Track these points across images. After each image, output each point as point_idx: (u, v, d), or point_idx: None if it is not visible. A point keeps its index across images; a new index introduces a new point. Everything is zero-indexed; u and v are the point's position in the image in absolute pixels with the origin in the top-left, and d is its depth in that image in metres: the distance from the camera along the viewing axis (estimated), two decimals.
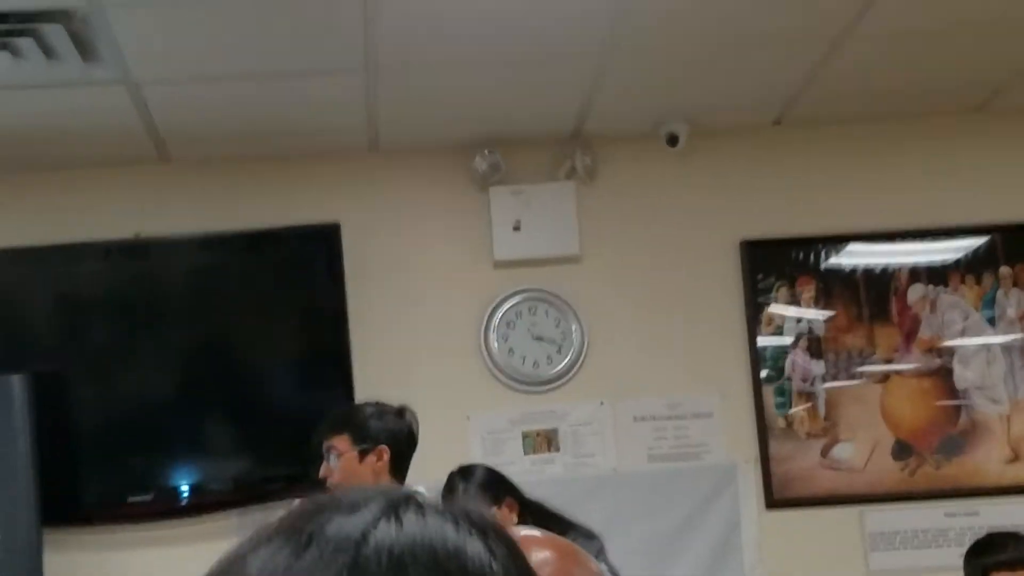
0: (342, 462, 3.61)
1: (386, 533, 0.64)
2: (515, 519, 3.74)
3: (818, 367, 5.01)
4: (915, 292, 5.06)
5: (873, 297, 5.05)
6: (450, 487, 3.84)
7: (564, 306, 4.97)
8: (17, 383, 4.11)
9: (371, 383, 4.67)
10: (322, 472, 3.57)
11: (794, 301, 5.04)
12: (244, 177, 4.91)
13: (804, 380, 5.00)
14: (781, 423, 4.96)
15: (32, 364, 4.37)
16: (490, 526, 0.68)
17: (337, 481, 3.58)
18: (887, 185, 5.06)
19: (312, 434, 3.67)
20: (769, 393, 4.98)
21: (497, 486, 3.83)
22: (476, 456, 4.87)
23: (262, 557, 0.65)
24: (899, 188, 5.06)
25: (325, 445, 3.61)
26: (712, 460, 4.88)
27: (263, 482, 4.71)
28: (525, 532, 1.38)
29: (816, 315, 5.04)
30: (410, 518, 0.66)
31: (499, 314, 4.94)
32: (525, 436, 4.92)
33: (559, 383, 4.95)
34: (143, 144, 4.71)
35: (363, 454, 3.63)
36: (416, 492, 0.71)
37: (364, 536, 0.64)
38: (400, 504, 0.67)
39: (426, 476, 4.68)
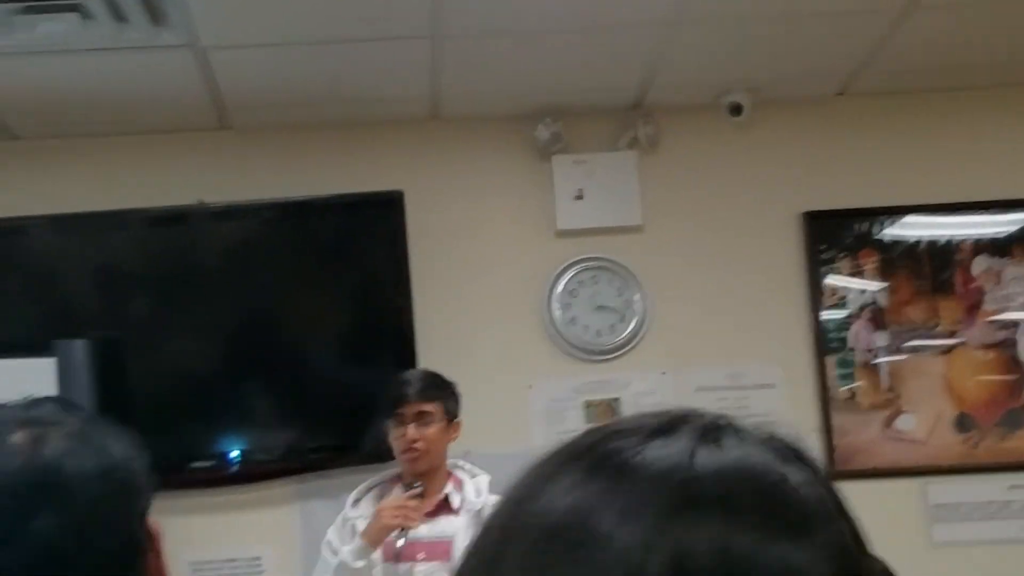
0: (432, 429, 3.55)
1: (709, 459, 0.62)
2: None
3: (881, 339, 4.97)
4: (979, 264, 5.01)
5: (936, 269, 5.00)
6: None
7: (626, 275, 4.94)
8: (79, 349, 4.11)
9: (432, 352, 4.66)
10: (411, 435, 3.51)
11: (856, 273, 5.00)
12: (306, 145, 4.89)
13: (867, 352, 4.96)
14: (844, 395, 4.92)
15: (88, 330, 4.35)
16: (801, 451, 0.65)
17: (424, 448, 3.52)
18: (951, 156, 5.01)
19: (397, 397, 3.60)
20: (831, 365, 4.94)
21: None
22: (538, 424, 4.86)
23: (565, 488, 0.62)
24: (963, 159, 5.00)
25: (418, 409, 3.55)
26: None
27: (312, 452, 4.70)
28: None
29: (879, 287, 4.99)
30: (730, 443, 0.63)
31: (561, 283, 4.92)
32: (587, 405, 4.90)
33: (621, 352, 4.93)
34: (205, 110, 4.71)
35: (449, 424, 3.60)
36: (725, 415, 0.68)
37: (689, 463, 0.61)
38: (716, 428, 0.65)
39: (487, 445, 4.68)
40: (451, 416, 3.60)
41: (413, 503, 3.42)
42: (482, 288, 4.88)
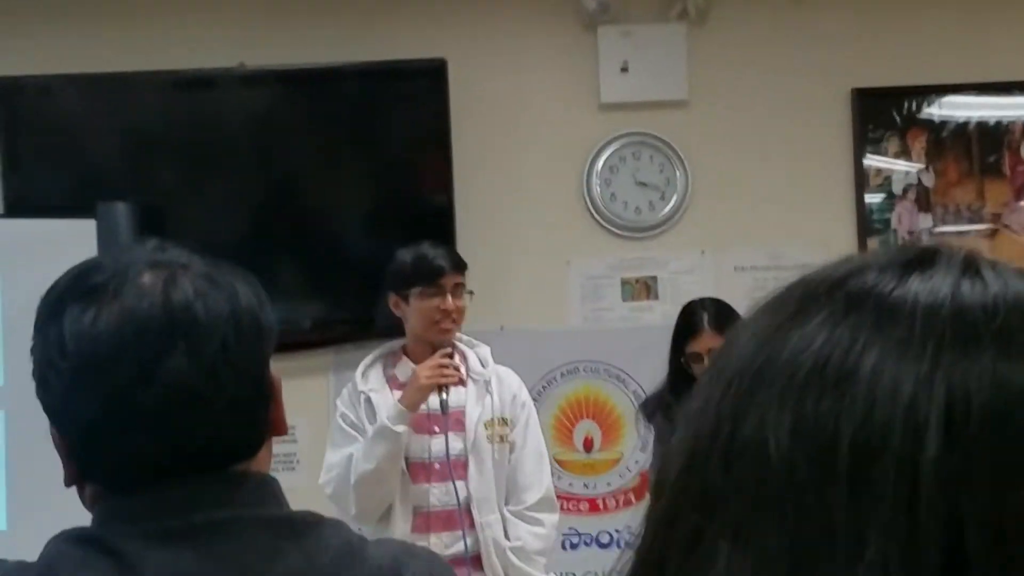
0: (463, 303, 3.54)
1: (974, 292, 0.57)
2: None
3: (925, 221, 4.90)
4: None
5: (984, 151, 4.91)
6: (690, 313, 3.84)
7: (669, 151, 4.85)
8: (122, 211, 4.04)
9: (470, 226, 4.61)
10: (449, 306, 3.48)
11: (904, 153, 4.91)
12: (348, 10, 4.76)
13: (910, 233, 4.89)
14: None
15: (113, 195, 4.27)
16: None
17: (458, 320, 3.51)
18: (1004, 35, 4.88)
19: (435, 268, 3.56)
20: (874, 245, 4.87)
21: (737, 319, 3.79)
22: (575, 301, 4.82)
23: (818, 325, 0.57)
24: (1017, 38, 4.88)
25: (456, 281, 3.52)
26: None
27: (343, 323, 4.64)
28: None
29: (926, 168, 4.90)
30: (989, 275, 0.58)
31: (603, 158, 4.83)
32: (624, 283, 4.85)
33: (661, 230, 4.86)
34: None
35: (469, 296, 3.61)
36: (972, 249, 0.63)
37: (956, 296, 0.56)
38: (973, 261, 0.59)
39: (525, 320, 4.65)
40: (471, 291, 3.60)
41: (447, 360, 3.42)
42: (522, 161, 4.80)
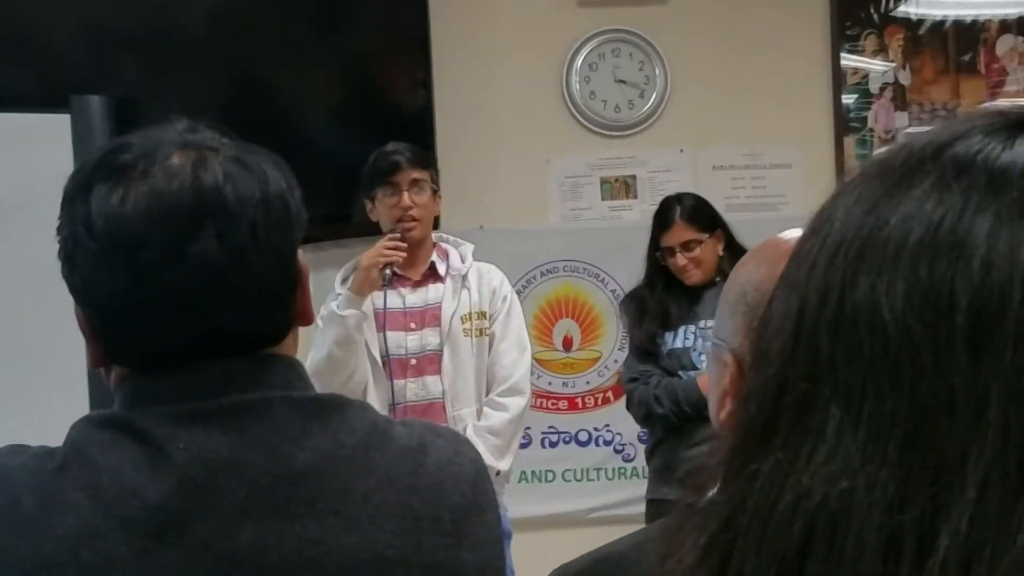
0: (426, 197, 3.52)
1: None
2: (721, 250, 3.78)
3: (901, 119, 4.90)
4: (1004, 44, 4.92)
5: (960, 48, 4.91)
6: (665, 207, 3.86)
7: (649, 48, 4.82)
8: (96, 105, 3.96)
9: (449, 124, 4.57)
10: (406, 202, 3.47)
11: (881, 51, 4.90)
12: None
13: (886, 132, 4.90)
14: None
15: (79, 90, 4.19)
16: None
17: (418, 216, 3.50)
18: None
19: (390, 165, 3.53)
20: (850, 144, 4.88)
21: (712, 215, 3.84)
22: (554, 200, 4.81)
23: (921, 195, 0.56)
24: None
25: (412, 177, 3.50)
26: (790, 212, 4.81)
27: (312, 222, 4.59)
28: None
29: (903, 66, 4.90)
30: None
31: (582, 55, 4.80)
32: (604, 182, 4.84)
33: (640, 129, 4.85)
34: None
35: (434, 194, 3.58)
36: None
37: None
38: (1015, 124, 0.58)
39: (504, 219, 4.64)
40: (436, 187, 3.57)
41: (392, 243, 3.41)
42: (501, 60, 4.76)
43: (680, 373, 3.74)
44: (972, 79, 4.91)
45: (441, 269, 3.56)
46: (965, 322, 0.52)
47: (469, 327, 3.50)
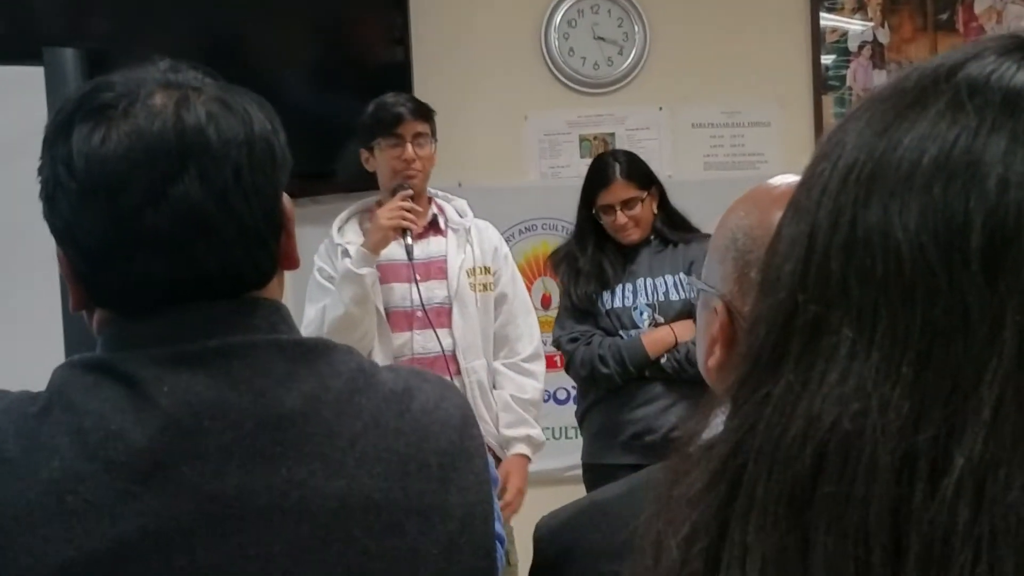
0: (428, 150, 3.49)
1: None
2: (655, 208, 3.74)
3: (880, 78, 4.90)
4: (982, 2, 4.92)
5: (939, 7, 4.91)
6: (602, 164, 3.78)
7: (628, 6, 4.79)
8: (70, 57, 3.91)
9: (427, 79, 4.53)
10: (410, 154, 3.44)
11: (860, 9, 4.89)
12: None
13: (865, 90, 4.89)
14: None
15: (64, 41, 4.13)
16: None
17: (419, 169, 3.47)
18: None
19: (393, 117, 3.50)
20: (829, 103, 4.88)
21: (648, 172, 3.79)
22: (532, 157, 4.79)
23: (933, 118, 0.55)
24: None
25: (416, 129, 3.47)
26: (768, 170, 4.80)
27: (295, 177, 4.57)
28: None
29: (881, 24, 4.89)
30: None
31: (561, 11, 4.77)
32: (582, 139, 4.82)
33: (619, 86, 4.83)
34: None
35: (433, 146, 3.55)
36: None
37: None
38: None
39: (482, 177, 4.62)
40: (435, 139, 3.55)
41: (407, 204, 3.39)
42: (479, 16, 4.72)
43: (621, 333, 3.70)
44: (950, 37, 4.91)
45: (441, 223, 3.54)
46: (980, 241, 0.51)
47: (474, 281, 3.49)
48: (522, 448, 3.51)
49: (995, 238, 0.51)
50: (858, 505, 0.51)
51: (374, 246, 3.37)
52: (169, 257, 1.14)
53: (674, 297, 3.67)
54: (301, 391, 1.15)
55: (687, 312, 3.58)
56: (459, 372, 3.44)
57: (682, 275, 3.66)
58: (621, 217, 3.67)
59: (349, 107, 4.56)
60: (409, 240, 3.39)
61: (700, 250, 3.58)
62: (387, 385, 1.21)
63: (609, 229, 3.72)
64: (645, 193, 3.70)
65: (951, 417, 0.50)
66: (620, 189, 3.68)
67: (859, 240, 0.55)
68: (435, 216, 3.55)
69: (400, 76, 4.51)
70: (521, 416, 3.51)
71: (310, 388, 1.16)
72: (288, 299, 3.98)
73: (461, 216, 3.56)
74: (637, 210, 3.68)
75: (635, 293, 3.71)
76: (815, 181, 0.59)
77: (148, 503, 1.07)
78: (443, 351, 3.42)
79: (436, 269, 3.48)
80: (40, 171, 1.17)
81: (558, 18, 4.76)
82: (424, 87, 4.47)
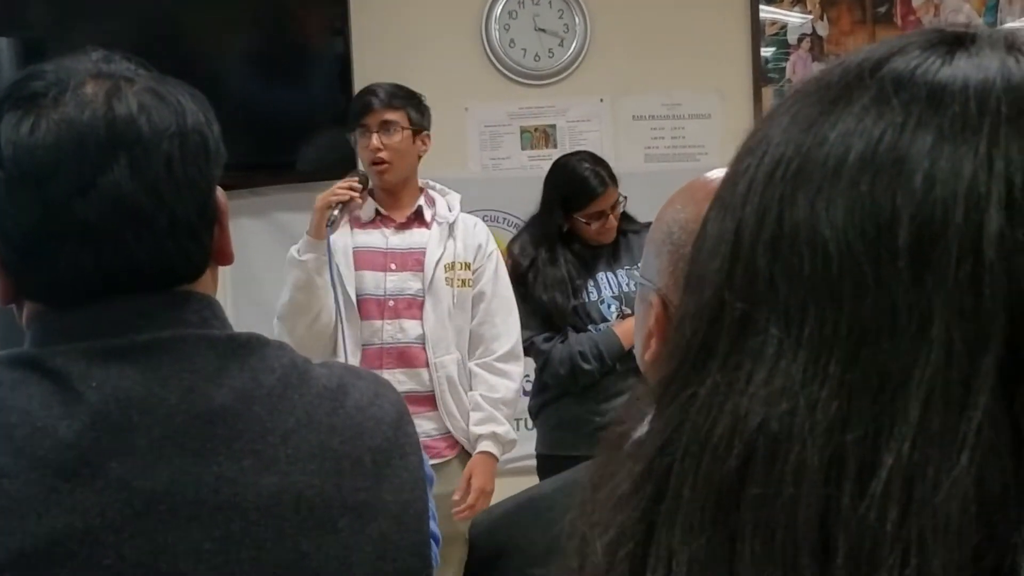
0: (398, 138, 3.44)
1: (1023, 70, 0.55)
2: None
3: (819, 70, 4.92)
4: None
5: (878, 0, 4.95)
6: (581, 176, 3.73)
7: None
8: (4, 46, 3.86)
9: (367, 71, 4.50)
10: (374, 144, 3.40)
11: (799, 2, 4.92)
12: None
13: None
14: None
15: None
16: None
17: (388, 158, 3.42)
18: None
19: (361, 107, 3.46)
20: (768, 95, 4.90)
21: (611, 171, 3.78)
22: (474, 149, 4.78)
23: (858, 114, 0.55)
24: None
25: (382, 118, 3.43)
26: (708, 162, 4.82)
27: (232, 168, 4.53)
28: None
29: (820, 17, 4.92)
30: (963, 54, 0.56)
31: (501, 3, 4.75)
32: (523, 131, 4.82)
33: (560, 78, 4.83)
34: None
35: (416, 135, 3.49)
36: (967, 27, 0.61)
37: (1007, 75, 0.54)
38: (1013, 40, 0.57)
39: (424, 169, 4.58)
40: (418, 127, 3.49)
41: (345, 183, 3.36)
42: (419, 5, 4.70)
43: (590, 327, 3.71)
44: (888, 30, 4.95)
45: (427, 214, 3.49)
46: (907, 238, 0.51)
47: (452, 276, 3.44)
48: (488, 446, 3.45)
49: (922, 234, 0.51)
50: (786, 506, 0.51)
51: (313, 230, 3.35)
52: (98, 248, 1.12)
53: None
54: (232, 387, 1.14)
55: None
56: (426, 365, 3.40)
57: (640, 264, 3.66)
58: (612, 220, 3.70)
59: (288, 98, 4.54)
60: (333, 213, 3.32)
61: None
62: (320, 381, 1.20)
63: (590, 234, 3.72)
64: (622, 195, 3.73)
65: (879, 416, 0.50)
66: (612, 194, 3.71)
67: (785, 237, 0.54)
68: (420, 207, 3.51)
69: (340, 67, 4.49)
70: (490, 414, 3.46)
71: (241, 384, 1.14)
72: (229, 292, 3.92)
73: (450, 210, 3.52)
74: (619, 209, 3.71)
75: (598, 288, 3.72)
76: (740, 177, 0.58)
77: (76, 499, 1.06)
78: (411, 342, 3.38)
79: (414, 260, 3.43)
80: None
81: (499, 9, 4.75)
82: (364, 78, 4.43)
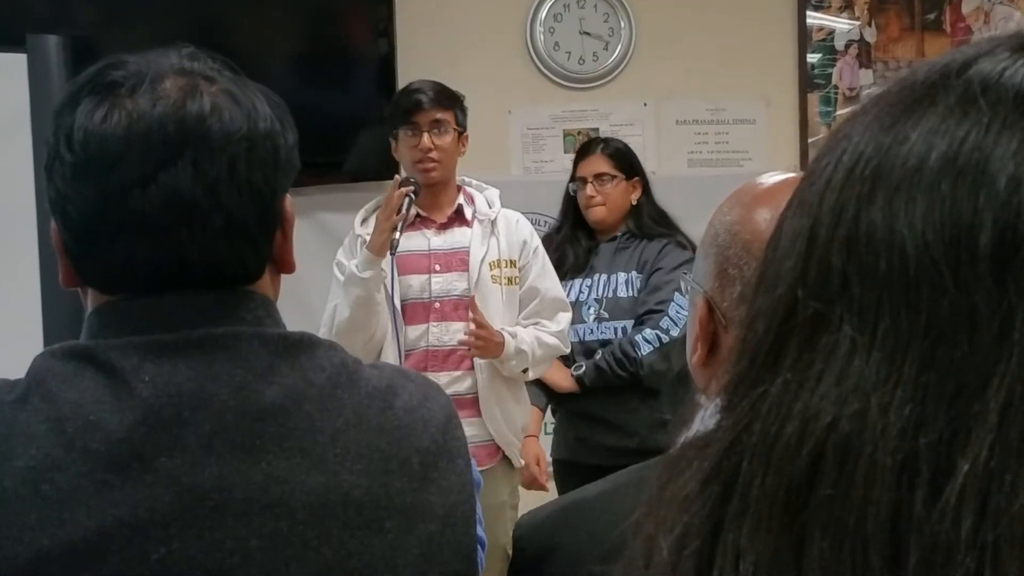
0: (448, 139, 3.42)
1: None
2: (635, 199, 3.77)
3: (865, 77, 4.90)
4: (970, 2, 4.91)
5: (926, 6, 4.91)
6: (590, 140, 3.89)
7: (614, 1, 4.78)
8: (53, 44, 3.87)
9: (412, 72, 4.51)
10: (426, 144, 3.38)
11: (847, 8, 4.89)
12: None
13: (850, 89, 4.89)
14: (824, 132, 4.88)
15: (49, 27, 4.10)
16: None
17: (438, 158, 3.40)
18: None
19: (410, 105, 3.44)
20: (814, 101, 4.88)
21: (633, 163, 3.82)
22: (515, 152, 4.78)
23: (936, 123, 0.53)
24: None
25: (433, 117, 3.40)
26: (752, 168, 4.80)
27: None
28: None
29: (868, 23, 4.89)
30: None
31: (546, 6, 4.76)
32: (566, 134, 4.81)
33: (604, 81, 4.82)
34: None
35: (460, 136, 3.48)
36: None
37: None
38: None
39: (466, 170, 4.58)
40: (461, 128, 3.48)
41: (399, 194, 3.30)
42: (464, 8, 4.71)
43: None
44: (937, 37, 4.91)
45: (467, 212, 3.45)
46: (990, 241, 0.50)
47: (498, 274, 3.39)
48: (508, 336, 3.35)
49: (1005, 238, 0.50)
50: (856, 509, 0.50)
51: (376, 248, 3.27)
52: (151, 241, 1.13)
53: (623, 294, 3.68)
54: (283, 385, 1.14)
55: (633, 310, 3.65)
56: (472, 367, 3.36)
57: (634, 273, 3.67)
58: (591, 188, 3.71)
59: (332, 99, 4.55)
60: (397, 235, 3.28)
61: (654, 250, 3.62)
62: (370, 382, 1.20)
63: (581, 206, 3.76)
64: (622, 176, 3.71)
65: (955, 421, 0.49)
66: (596, 161, 3.75)
67: (862, 236, 0.53)
68: (460, 206, 3.47)
69: (384, 69, 4.50)
70: (529, 330, 3.39)
71: (292, 382, 1.14)
72: (291, 297, 3.94)
73: (491, 207, 3.47)
74: (608, 187, 3.72)
75: (590, 288, 3.71)
76: (819, 175, 0.57)
77: (125, 494, 1.06)
78: (458, 345, 3.33)
79: (458, 260, 3.39)
80: (46, 141, 1.18)
81: (544, 12, 4.75)
82: (408, 79, 4.43)
